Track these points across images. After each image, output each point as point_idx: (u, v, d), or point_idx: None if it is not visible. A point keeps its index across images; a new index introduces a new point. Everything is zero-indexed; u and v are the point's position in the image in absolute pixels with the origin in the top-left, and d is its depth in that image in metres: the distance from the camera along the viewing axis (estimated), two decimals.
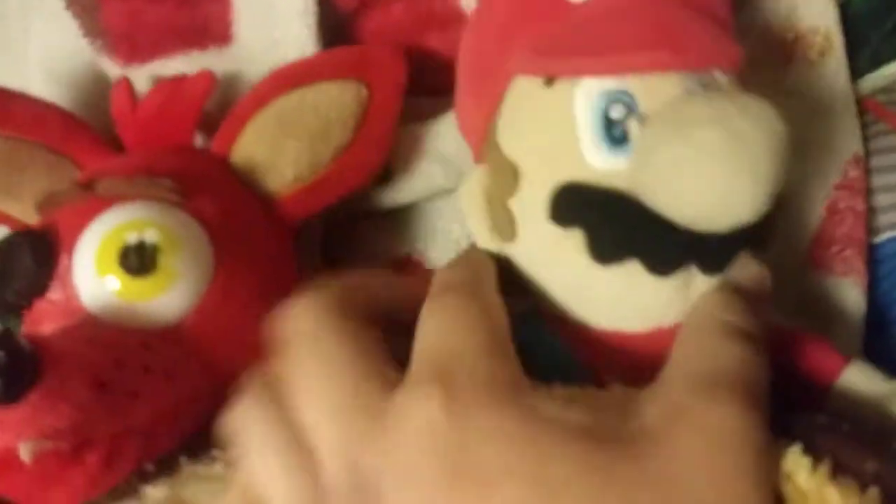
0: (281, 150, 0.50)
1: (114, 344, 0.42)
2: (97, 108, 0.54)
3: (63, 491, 0.40)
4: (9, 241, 0.46)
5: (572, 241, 0.41)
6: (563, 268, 0.42)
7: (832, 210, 0.54)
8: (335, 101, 0.50)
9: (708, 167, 0.37)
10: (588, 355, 0.43)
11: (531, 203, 0.42)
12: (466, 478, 0.32)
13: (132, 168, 0.48)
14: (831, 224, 0.54)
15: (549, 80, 0.41)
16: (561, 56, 0.41)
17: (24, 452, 0.38)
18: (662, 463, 0.32)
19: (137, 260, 0.43)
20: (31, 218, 0.50)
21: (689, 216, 0.38)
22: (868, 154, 0.55)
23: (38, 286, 0.44)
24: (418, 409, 0.34)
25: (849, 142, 0.55)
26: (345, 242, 0.56)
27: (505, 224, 0.43)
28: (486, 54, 0.46)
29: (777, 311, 0.48)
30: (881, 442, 0.36)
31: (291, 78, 0.51)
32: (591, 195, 0.40)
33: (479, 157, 0.47)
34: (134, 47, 0.55)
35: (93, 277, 0.43)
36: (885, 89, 0.57)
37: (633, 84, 0.40)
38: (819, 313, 0.53)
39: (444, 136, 0.53)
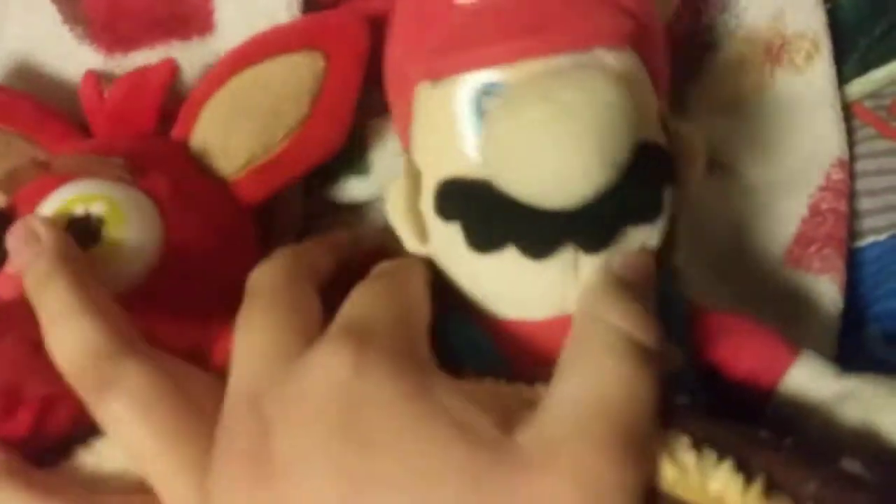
0: (233, 132, 0.49)
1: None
2: (74, 97, 0.54)
3: None
4: None
5: (457, 235, 0.41)
6: (458, 262, 0.43)
7: (814, 211, 0.54)
8: (287, 76, 0.49)
9: (530, 142, 0.36)
10: (506, 346, 0.43)
11: (428, 203, 0.43)
12: (354, 438, 0.33)
13: (89, 149, 0.49)
14: (813, 224, 0.53)
15: (435, 81, 0.42)
16: (438, 56, 0.42)
17: None
18: (530, 496, 0.32)
19: (82, 231, 0.43)
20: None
21: (529, 194, 0.38)
22: (854, 158, 0.55)
23: None
24: (327, 362, 0.35)
25: (833, 145, 0.54)
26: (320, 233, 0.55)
27: (417, 226, 0.44)
28: (398, 62, 0.47)
29: (754, 306, 0.48)
30: (824, 460, 0.35)
31: (245, 56, 0.50)
32: (465, 187, 0.41)
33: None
34: (116, 37, 0.55)
35: None
36: (873, 94, 0.56)
37: (508, 75, 0.40)
38: (796, 310, 0.52)
39: None
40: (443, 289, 0.44)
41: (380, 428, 0.33)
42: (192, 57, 0.54)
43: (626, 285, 0.38)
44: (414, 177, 0.44)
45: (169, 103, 0.52)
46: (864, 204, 0.54)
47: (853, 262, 0.53)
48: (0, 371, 0.39)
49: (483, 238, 0.40)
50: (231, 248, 0.49)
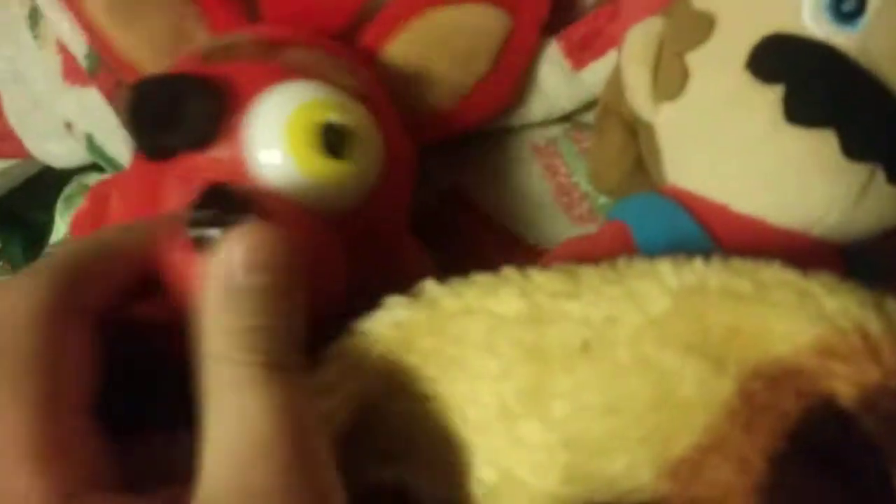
0: (427, 70, 0.47)
1: (295, 217, 0.37)
2: None
3: None
4: (181, 82, 0.40)
5: (765, 97, 0.38)
6: (742, 126, 0.39)
7: None
8: (483, 27, 0.48)
9: None
10: (723, 238, 0.40)
11: (722, 53, 0.40)
12: None
13: (308, 43, 0.44)
14: None
15: None
16: None
17: None
18: None
19: (334, 141, 0.39)
20: (141, 53, 0.47)
21: None
22: None
23: (205, 138, 0.39)
24: None
25: None
26: None
27: (675, 78, 0.41)
28: None
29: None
30: None
31: None
32: (805, 49, 0.38)
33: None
34: None
35: (277, 144, 0.38)
36: None
37: None
38: None
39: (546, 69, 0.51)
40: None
41: None
42: None
43: (240, 297, 0.31)
44: (697, 23, 0.40)
45: None
46: None
47: None
48: None
49: (810, 108, 0.37)
50: (408, 181, 0.47)
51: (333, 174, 0.39)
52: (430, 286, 0.35)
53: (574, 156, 0.53)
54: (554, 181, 0.53)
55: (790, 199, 0.39)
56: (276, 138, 0.39)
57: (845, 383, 0.29)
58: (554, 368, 0.32)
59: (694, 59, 0.40)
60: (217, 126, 0.39)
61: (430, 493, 0.35)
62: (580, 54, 0.51)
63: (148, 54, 0.46)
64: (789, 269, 0.31)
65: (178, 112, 0.39)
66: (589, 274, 0.33)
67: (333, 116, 0.39)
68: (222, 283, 0.31)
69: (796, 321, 0.30)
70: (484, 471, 0.34)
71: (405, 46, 0.47)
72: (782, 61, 0.38)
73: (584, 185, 0.52)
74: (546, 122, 0.54)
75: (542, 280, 0.33)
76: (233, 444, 0.29)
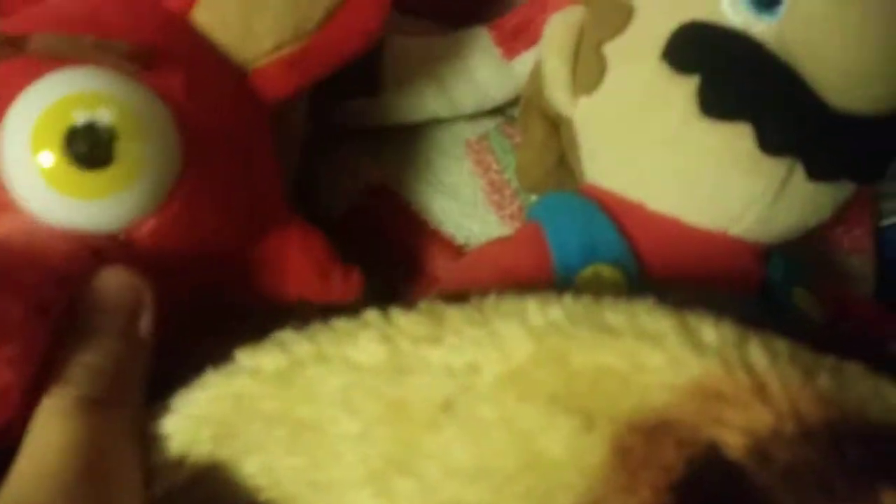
0: (257, 11, 0.39)
1: (57, 255, 0.32)
2: None
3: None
4: None
5: (681, 88, 0.37)
6: (657, 119, 0.38)
7: None
8: None
9: (864, 21, 0.34)
10: (642, 243, 0.38)
11: (639, 43, 0.38)
12: None
13: (71, 21, 0.37)
14: None
15: None
16: None
17: None
18: None
19: (88, 147, 0.32)
20: None
21: (830, 78, 0.35)
22: None
23: None
24: None
25: None
26: (322, 163, 0.52)
27: (593, 70, 0.39)
28: None
29: None
30: None
31: None
32: (722, 38, 0.36)
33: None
34: None
35: (27, 164, 0.32)
36: None
37: None
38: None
39: (444, 59, 0.50)
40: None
41: None
42: None
43: (82, 333, 0.32)
44: (615, 12, 0.39)
45: None
46: (886, 187, 0.53)
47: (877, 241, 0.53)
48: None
49: (724, 100, 0.36)
50: (251, 159, 0.40)
51: (100, 184, 0.33)
52: (285, 334, 0.32)
53: (506, 151, 0.51)
54: (485, 177, 0.51)
55: (706, 197, 0.38)
56: (26, 154, 0.32)
57: (732, 432, 0.26)
58: (419, 428, 0.29)
59: (612, 49, 0.39)
60: None
61: None
62: (512, 43, 0.50)
63: None
64: (663, 304, 0.28)
65: None
66: (453, 315, 0.30)
67: (85, 115, 0.32)
68: None
69: (671, 354, 0.27)
70: None
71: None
72: (698, 51, 0.37)
73: (515, 182, 0.50)
74: (478, 116, 0.52)
75: (404, 323, 0.30)
76: (25, 467, 0.30)
